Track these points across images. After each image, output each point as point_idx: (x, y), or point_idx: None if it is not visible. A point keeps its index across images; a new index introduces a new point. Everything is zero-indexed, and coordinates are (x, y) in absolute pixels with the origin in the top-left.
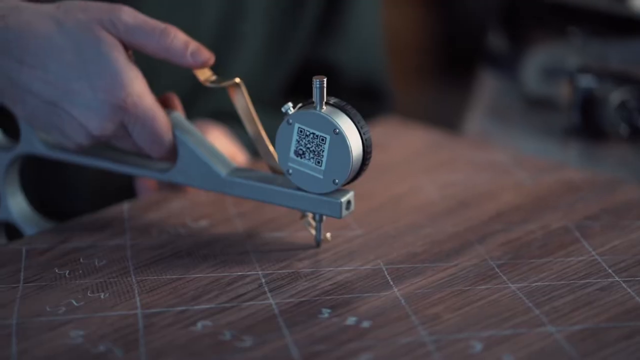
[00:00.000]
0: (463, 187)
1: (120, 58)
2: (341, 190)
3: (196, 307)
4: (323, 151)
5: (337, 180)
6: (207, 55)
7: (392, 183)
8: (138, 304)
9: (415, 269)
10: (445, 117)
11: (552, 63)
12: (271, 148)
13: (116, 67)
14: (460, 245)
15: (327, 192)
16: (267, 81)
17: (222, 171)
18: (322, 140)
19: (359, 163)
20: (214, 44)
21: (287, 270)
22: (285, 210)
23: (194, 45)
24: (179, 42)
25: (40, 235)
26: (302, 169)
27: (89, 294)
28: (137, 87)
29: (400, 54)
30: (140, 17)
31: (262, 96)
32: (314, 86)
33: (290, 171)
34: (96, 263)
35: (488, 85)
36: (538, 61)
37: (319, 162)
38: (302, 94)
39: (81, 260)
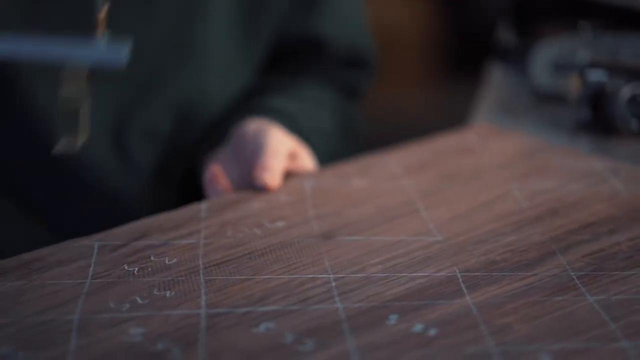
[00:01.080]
0: (553, 196)
1: None
2: None
3: (261, 309)
4: None
5: None
6: None
7: (480, 190)
8: (203, 303)
9: (491, 277)
10: (456, 113)
11: (562, 57)
12: None
13: None
14: (542, 255)
15: None
16: (243, 64)
17: None
18: None
19: None
20: (178, 29)
21: (360, 275)
22: (364, 213)
23: None
24: None
25: (114, 231)
26: None
27: (155, 292)
28: None
29: (410, 51)
30: None
31: (243, 78)
32: None
33: None
34: (167, 261)
35: (497, 80)
36: (548, 55)
37: None
38: (283, 70)
39: (152, 258)
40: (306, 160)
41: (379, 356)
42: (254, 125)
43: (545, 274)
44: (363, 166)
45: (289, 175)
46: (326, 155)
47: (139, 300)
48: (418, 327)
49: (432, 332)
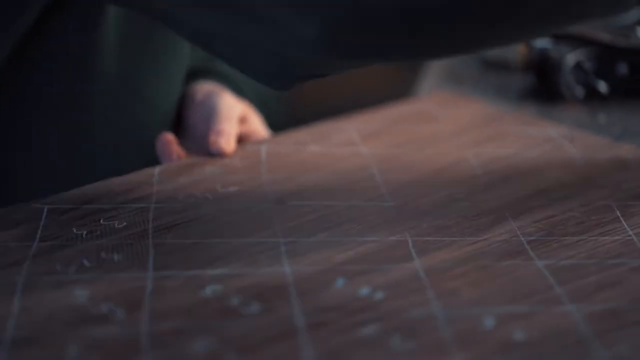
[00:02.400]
0: (508, 163)
1: None
2: None
3: (209, 272)
4: None
5: None
6: None
7: (435, 156)
8: (150, 266)
9: (442, 242)
10: (402, 82)
11: None
12: None
13: None
14: (493, 220)
15: None
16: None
17: None
18: None
19: None
20: None
21: (310, 239)
22: (318, 179)
23: None
24: None
25: (65, 195)
26: None
27: (102, 255)
28: None
29: None
30: None
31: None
32: None
33: None
34: (116, 225)
35: None
36: None
37: None
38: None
39: (101, 221)
40: (257, 124)
41: (323, 319)
42: (201, 89)
43: (495, 239)
44: (319, 132)
45: (244, 140)
46: (265, 119)
47: (86, 263)
48: (365, 291)
49: (379, 295)
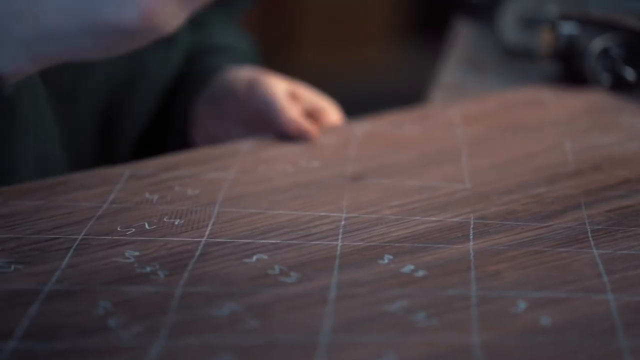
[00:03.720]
0: (604, 152)
1: None
2: None
3: (261, 241)
4: None
5: None
6: None
7: (531, 142)
8: (207, 232)
9: (503, 225)
10: (422, 71)
11: (531, 11)
12: None
13: None
14: (565, 208)
15: None
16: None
17: None
18: None
19: None
20: None
21: (373, 216)
22: (404, 158)
23: None
24: None
25: (148, 162)
26: None
27: (165, 220)
28: None
29: (375, 7)
30: None
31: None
32: None
33: None
34: (188, 192)
35: (464, 36)
36: (516, 9)
37: None
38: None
39: (175, 188)
40: (311, 96)
41: (355, 292)
42: (240, 76)
43: (560, 225)
44: (420, 115)
45: (312, 117)
46: None
47: (147, 226)
48: (407, 268)
49: (420, 273)
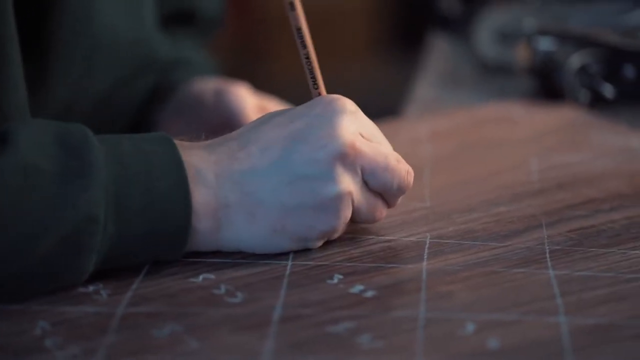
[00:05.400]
0: (571, 170)
1: None
2: None
3: (209, 260)
4: None
5: None
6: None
7: (497, 159)
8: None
9: (460, 245)
10: (398, 87)
11: (508, 25)
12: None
13: None
14: (526, 227)
15: None
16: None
17: None
18: None
19: None
20: None
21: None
22: None
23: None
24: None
25: None
26: None
27: None
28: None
29: (351, 21)
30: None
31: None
32: None
33: None
34: None
35: (440, 51)
36: (493, 24)
37: None
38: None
39: None
40: (278, 104)
41: (301, 313)
42: (207, 86)
43: (518, 245)
44: (388, 129)
45: None
46: None
47: None
48: (357, 288)
49: (369, 293)
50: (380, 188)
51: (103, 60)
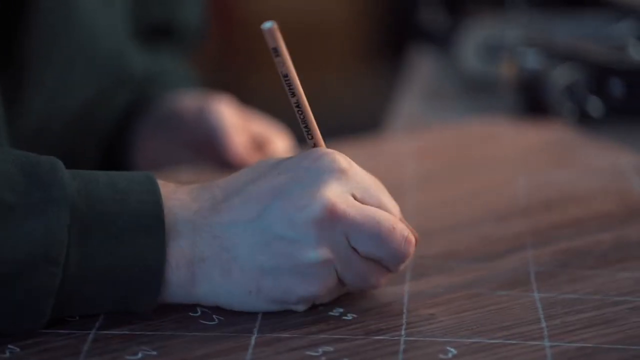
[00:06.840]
0: (558, 189)
1: None
2: None
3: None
4: None
5: None
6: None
7: (484, 178)
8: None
9: (444, 266)
10: (379, 101)
11: (493, 40)
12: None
13: None
14: (510, 248)
15: None
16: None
17: None
18: None
19: None
20: None
21: None
22: None
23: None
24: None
25: None
26: None
27: None
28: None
29: (330, 38)
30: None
31: None
32: None
33: None
34: None
35: (424, 65)
36: (477, 37)
37: None
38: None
39: None
40: (261, 124)
41: (279, 336)
42: (188, 102)
43: (502, 267)
44: (374, 146)
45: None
46: None
47: None
48: (336, 311)
49: (349, 316)
50: (370, 256)
51: (81, 70)
